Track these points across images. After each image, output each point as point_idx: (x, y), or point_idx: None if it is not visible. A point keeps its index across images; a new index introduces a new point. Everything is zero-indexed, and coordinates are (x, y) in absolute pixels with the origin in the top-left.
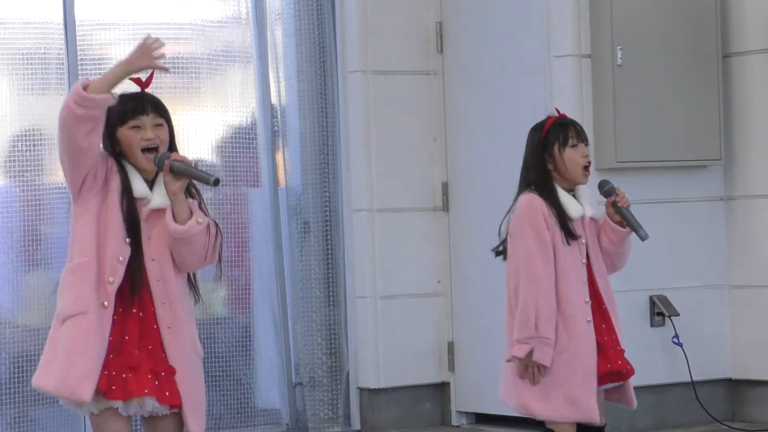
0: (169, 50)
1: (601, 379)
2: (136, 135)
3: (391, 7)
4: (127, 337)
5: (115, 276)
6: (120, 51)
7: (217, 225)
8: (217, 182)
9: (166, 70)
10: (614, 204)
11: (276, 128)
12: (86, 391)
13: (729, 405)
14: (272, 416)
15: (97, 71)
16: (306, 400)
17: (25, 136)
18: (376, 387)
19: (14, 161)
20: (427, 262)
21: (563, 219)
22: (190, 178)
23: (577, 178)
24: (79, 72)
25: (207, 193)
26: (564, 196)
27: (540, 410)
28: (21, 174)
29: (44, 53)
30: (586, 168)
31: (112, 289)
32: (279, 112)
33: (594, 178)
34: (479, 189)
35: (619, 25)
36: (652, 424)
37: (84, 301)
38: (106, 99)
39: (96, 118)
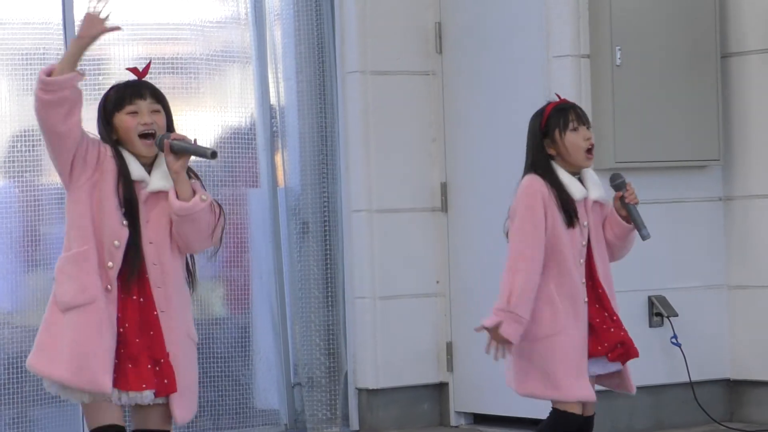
0: (168, 50)
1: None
2: (132, 120)
3: (390, 7)
4: (127, 324)
5: (114, 261)
6: (119, 51)
7: (220, 206)
8: (214, 155)
9: (118, 28)
10: (622, 199)
11: (275, 129)
12: (107, 382)
13: (727, 405)
14: (271, 417)
15: (96, 71)
16: (304, 401)
17: (24, 136)
18: (375, 387)
19: (13, 162)
20: (425, 262)
21: (565, 201)
22: (190, 155)
23: (579, 161)
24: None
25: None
26: (566, 178)
27: (541, 392)
28: (20, 174)
29: (43, 54)
30: (589, 151)
31: (113, 274)
32: (278, 113)
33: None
34: (478, 189)
35: (618, 26)
36: (651, 424)
37: (90, 291)
38: (71, 78)
39: (67, 99)
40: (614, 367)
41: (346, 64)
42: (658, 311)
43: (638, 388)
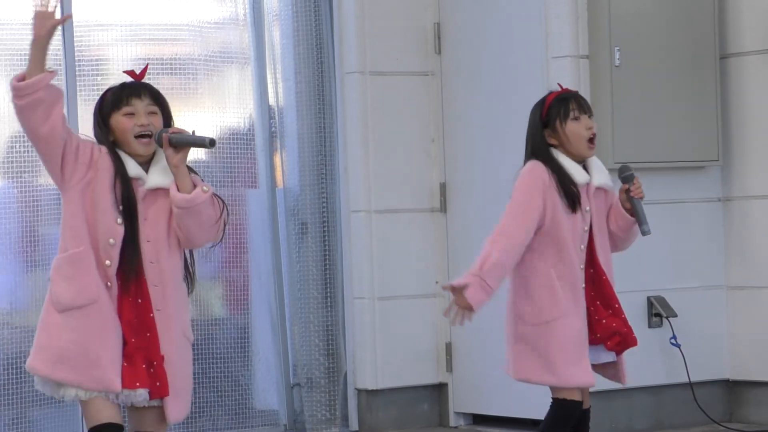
0: (166, 51)
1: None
2: (129, 122)
3: (389, 8)
4: (123, 324)
5: (111, 258)
6: (118, 52)
7: (222, 200)
8: (212, 143)
9: (68, 16)
10: (627, 192)
11: (274, 129)
12: (116, 379)
13: (727, 406)
14: (270, 417)
15: (95, 72)
16: (304, 401)
17: (23, 137)
18: (374, 388)
19: (12, 162)
20: (424, 263)
21: (567, 186)
22: (190, 146)
23: (581, 151)
24: (77, 73)
25: None
26: (567, 162)
27: (538, 377)
28: (19, 175)
29: None
30: (591, 140)
31: (111, 272)
32: (277, 113)
33: None
34: (477, 190)
35: (617, 26)
36: (650, 424)
37: (90, 292)
38: (40, 79)
39: (42, 100)
40: (608, 357)
41: (345, 64)
42: (657, 312)
43: (637, 388)
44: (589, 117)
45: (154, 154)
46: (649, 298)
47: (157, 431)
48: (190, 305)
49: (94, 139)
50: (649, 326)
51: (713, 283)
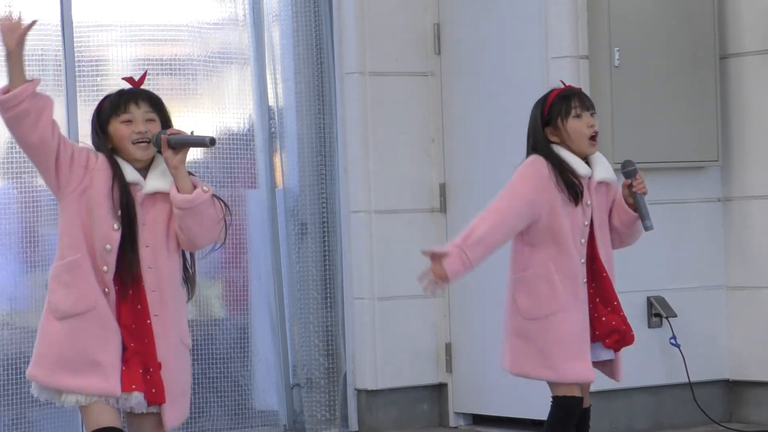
0: (166, 52)
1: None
2: (127, 129)
3: (388, 8)
4: (121, 330)
5: (108, 264)
6: (117, 52)
7: (222, 200)
8: (213, 142)
9: (34, 22)
10: (630, 187)
11: (273, 130)
12: (117, 385)
13: (726, 406)
14: (269, 418)
15: (95, 72)
16: (303, 402)
17: None
18: (374, 388)
19: (12, 163)
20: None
21: (569, 179)
22: (189, 147)
23: (583, 148)
24: (77, 73)
25: None
26: (569, 156)
27: (536, 372)
28: (18, 176)
29: (42, 54)
30: (593, 138)
31: (109, 278)
32: (276, 114)
33: None
34: (477, 190)
35: (616, 27)
36: (650, 425)
37: (90, 298)
38: (23, 90)
39: (28, 110)
40: (607, 355)
41: (345, 65)
42: (657, 312)
43: (637, 388)
44: (592, 114)
45: (152, 159)
46: (648, 298)
47: None
48: (189, 306)
49: (91, 146)
50: (649, 326)
51: (713, 283)
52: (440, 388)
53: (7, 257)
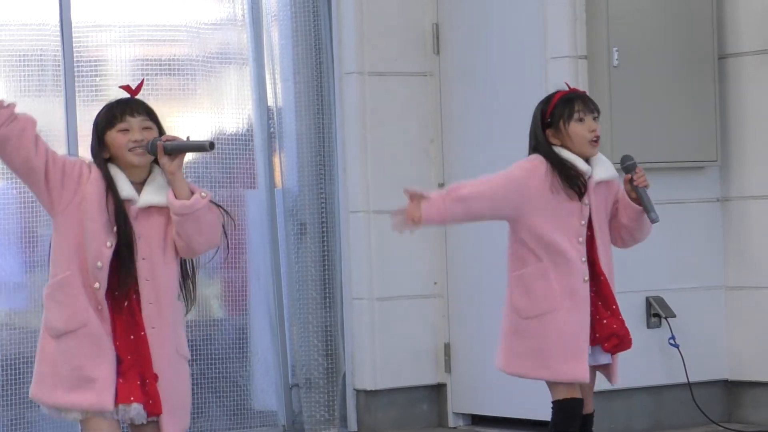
0: (164, 52)
1: (601, 344)
2: (123, 137)
3: (387, 8)
4: (118, 342)
5: (99, 281)
6: (116, 53)
7: (220, 206)
8: (212, 146)
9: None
10: (631, 181)
11: (272, 130)
12: (110, 400)
13: (725, 406)
14: (268, 418)
15: (93, 73)
16: (302, 402)
17: None
18: (373, 388)
19: None
20: (423, 263)
21: (570, 176)
22: (186, 152)
23: (584, 150)
24: (76, 73)
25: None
26: (570, 155)
27: (531, 371)
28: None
29: (40, 55)
30: (595, 141)
31: (101, 295)
32: (275, 114)
33: None
34: None
35: (615, 27)
36: (649, 425)
37: (81, 315)
38: None
39: (7, 136)
40: (605, 359)
41: (344, 65)
42: (656, 312)
43: (636, 388)
44: (595, 118)
45: (149, 174)
46: (647, 299)
47: None
48: (185, 321)
49: (84, 158)
50: (648, 326)
51: (712, 283)
52: (439, 389)
53: (6, 257)
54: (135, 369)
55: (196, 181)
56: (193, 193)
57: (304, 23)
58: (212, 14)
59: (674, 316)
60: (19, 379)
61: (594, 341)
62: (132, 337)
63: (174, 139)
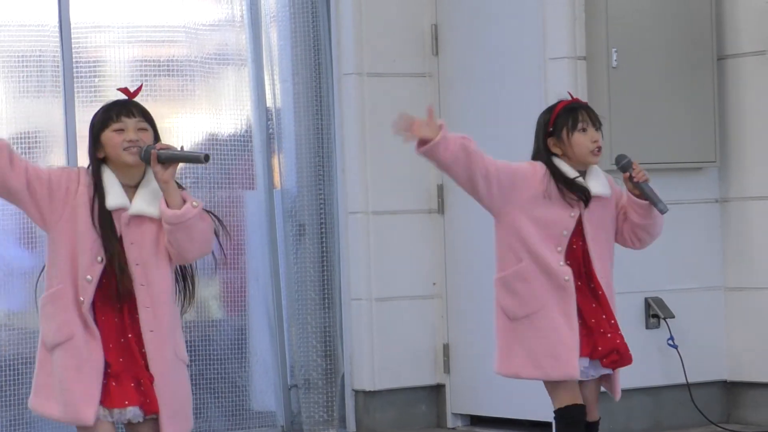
0: (163, 53)
1: (600, 359)
2: (118, 137)
3: (386, 9)
4: (111, 345)
5: (85, 295)
6: (114, 53)
7: (213, 213)
8: (207, 158)
9: None
10: (631, 178)
11: (271, 131)
12: (90, 415)
13: (724, 407)
14: (267, 419)
15: (92, 73)
16: (301, 403)
17: (21, 138)
18: (372, 389)
19: None
20: (422, 264)
21: (568, 181)
22: (180, 162)
23: (585, 158)
24: (75, 74)
25: (202, 193)
26: (567, 170)
27: (526, 372)
28: None
29: (39, 56)
30: (596, 151)
31: (85, 308)
32: (274, 115)
33: None
34: None
35: (614, 27)
36: (648, 426)
37: (68, 328)
38: None
39: None
40: (605, 370)
41: (343, 65)
42: (655, 313)
43: (635, 389)
44: (597, 129)
45: (143, 177)
46: (646, 299)
47: None
48: (182, 324)
49: (73, 167)
50: (647, 327)
51: (711, 284)
52: (438, 389)
53: (5, 258)
54: (128, 372)
55: (195, 182)
56: (185, 202)
57: (302, 24)
58: (211, 15)
59: (673, 316)
60: (18, 379)
61: (595, 354)
62: (122, 340)
63: (168, 147)
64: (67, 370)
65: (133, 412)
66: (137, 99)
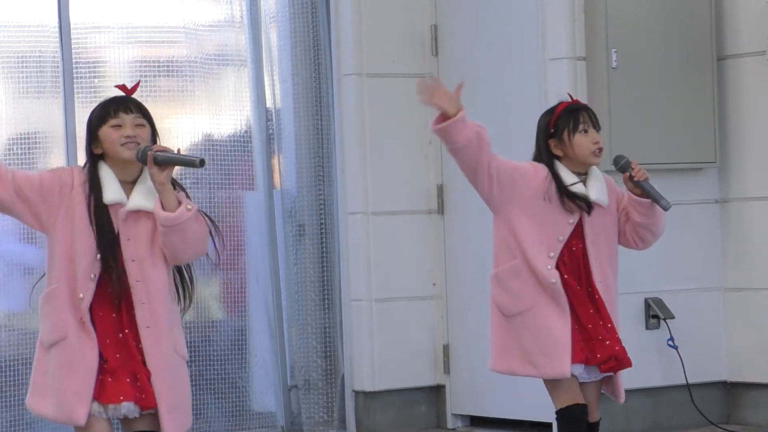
0: (163, 53)
1: (598, 365)
2: (116, 133)
3: (386, 10)
4: (108, 341)
5: (85, 292)
6: (114, 54)
7: (209, 216)
8: (202, 163)
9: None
10: (631, 178)
11: (271, 131)
12: (81, 414)
13: (724, 407)
14: (267, 419)
15: (92, 74)
16: (301, 403)
17: (21, 139)
18: (372, 390)
19: (9, 164)
20: (422, 264)
21: (566, 189)
22: (176, 165)
23: (587, 159)
24: (74, 75)
25: (202, 194)
26: (567, 175)
27: (521, 369)
28: None
29: (39, 56)
30: (597, 152)
31: (84, 305)
32: (274, 115)
33: None
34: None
35: (613, 28)
36: (648, 426)
37: (62, 327)
38: None
39: None
40: (604, 374)
41: (342, 66)
42: (655, 313)
43: (635, 390)
44: (597, 131)
45: (140, 173)
46: (646, 300)
47: (150, 431)
48: (181, 321)
49: (66, 167)
50: (647, 328)
51: (711, 284)
52: (438, 390)
53: (5, 258)
54: (124, 367)
55: (195, 182)
56: (180, 203)
57: (302, 24)
58: (210, 15)
59: (673, 317)
60: (18, 380)
61: (592, 361)
62: (120, 336)
63: (165, 150)
64: (61, 369)
65: (127, 408)
66: (135, 96)
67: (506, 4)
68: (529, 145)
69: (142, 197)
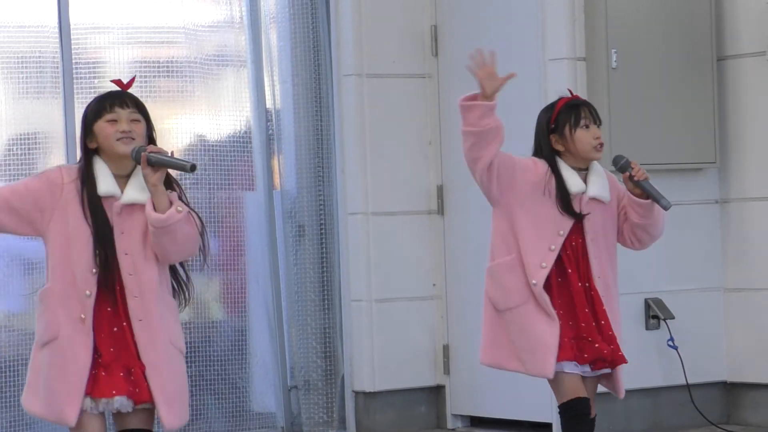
0: (163, 54)
1: (592, 364)
2: (111, 127)
3: (385, 10)
4: (103, 335)
5: (90, 288)
6: (114, 54)
7: (199, 216)
8: (193, 168)
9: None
10: (631, 178)
11: (271, 132)
12: (71, 415)
13: (724, 408)
14: (267, 420)
15: (92, 74)
16: (301, 404)
17: (21, 139)
18: (372, 390)
19: (10, 165)
20: (422, 265)
21: (563, 189)
22: (168, 168)
23: (588, 154)
24: (74, 75)
25: (202, 194)
26: (567, 171)
27: (511, 364)
28: (16, 178)
29: (39, 57)
30: (598, 147)
31: (90, 302)
32: (274, 116)
33: None
34: (474, 192)
35: (613, 28)
36: (648, 426)
37: (54, 327)
38: None
39: None
40: (600, 370)
41: (342, 66)
42: (655, 314)
43: (635, 390)
44: (598, 127)
45: (135, 167)
46: (646, 300)
47: (143, 429)
48: (187, 308)
49: (54, 166)
50: (647, 328)
51: (711, 285)
52: (438, 390)
53: (5, 259)
54: (118, 361)
55: (195, 183)
56: (171, 204)
57: (302, 25)
58: (210, 16)
59: (673, 317)
60: (18, 380)
61: (582, 360)
62: (115, 329)
63: (159, 151)
64: (52, 369)
65: (120, 402)
66: (137, 96)
67: (506, 4)
68: (530, 144)
69: (136, 191)
